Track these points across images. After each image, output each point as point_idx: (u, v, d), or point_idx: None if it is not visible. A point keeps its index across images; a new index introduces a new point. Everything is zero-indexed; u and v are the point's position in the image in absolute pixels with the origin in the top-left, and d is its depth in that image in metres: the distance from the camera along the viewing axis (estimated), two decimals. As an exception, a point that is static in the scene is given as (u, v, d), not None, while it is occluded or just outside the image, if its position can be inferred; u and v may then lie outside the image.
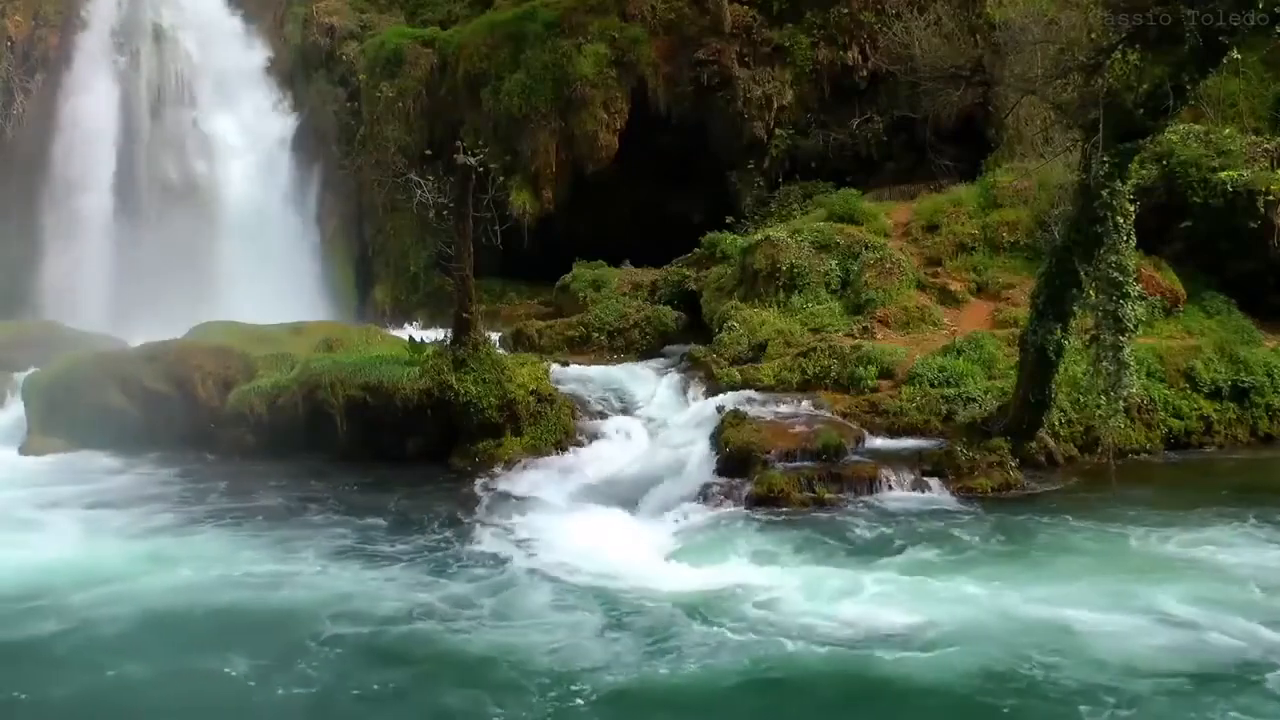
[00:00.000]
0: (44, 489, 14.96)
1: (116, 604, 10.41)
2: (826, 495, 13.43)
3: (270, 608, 10.40)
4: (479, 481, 14.82)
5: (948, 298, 18.89)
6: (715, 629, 9.57)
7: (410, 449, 16.12)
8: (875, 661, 8.92)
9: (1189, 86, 12.49)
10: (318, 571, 11.35)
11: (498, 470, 15.23)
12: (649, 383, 17.99)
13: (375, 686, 8.76)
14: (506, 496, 14.13)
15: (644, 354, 20.15)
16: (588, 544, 11.89)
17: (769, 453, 14.18)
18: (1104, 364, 13.12)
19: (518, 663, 9.00)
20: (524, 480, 14.86)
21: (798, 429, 14.91)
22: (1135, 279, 13.21)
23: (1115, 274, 12.90)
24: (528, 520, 12.94)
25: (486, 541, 12.28)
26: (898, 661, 8.90)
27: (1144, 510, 12.72)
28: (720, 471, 14.20)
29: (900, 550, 11.64)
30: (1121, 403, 13.63)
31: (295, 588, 10.88)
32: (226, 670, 8.99)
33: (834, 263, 19.49)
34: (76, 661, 9.26)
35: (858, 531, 12.36)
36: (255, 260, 25.92)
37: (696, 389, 17.13)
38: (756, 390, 16.46)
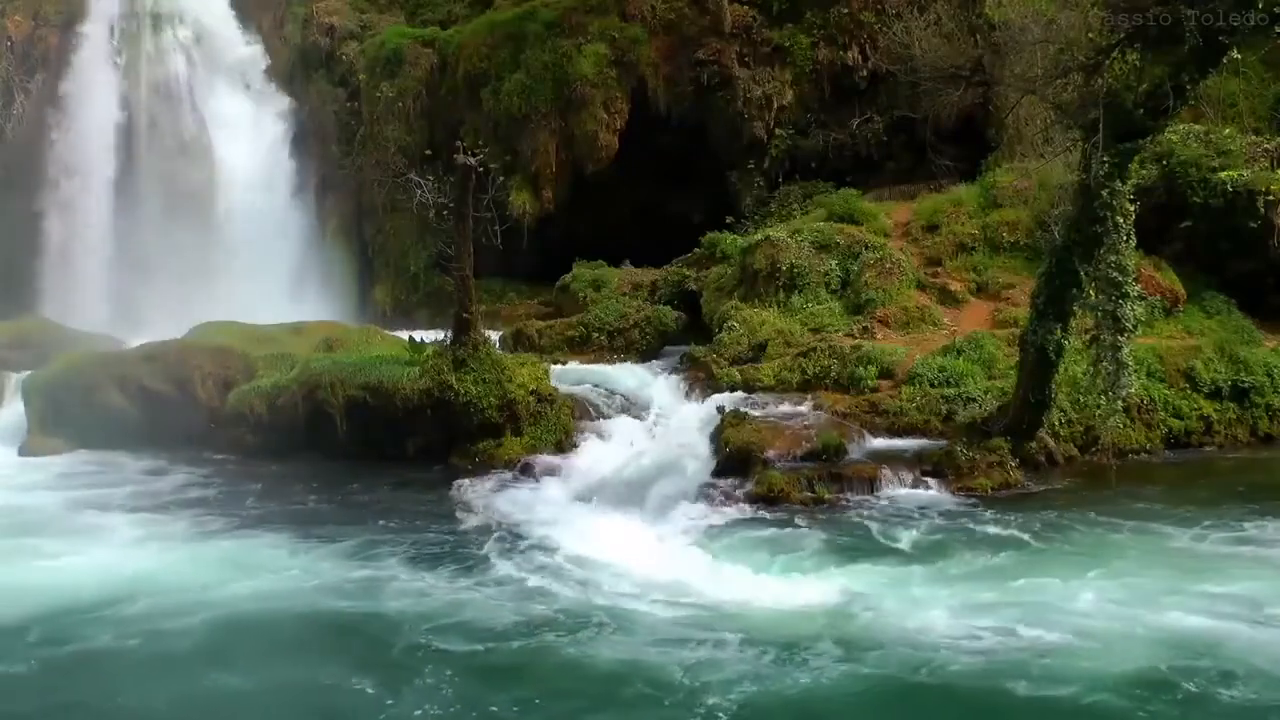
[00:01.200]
0: (76, 492, 14.77)
1: (204, 611, 10.09)
2: (827, 495, 13.42)
3: (365, 615, 10.07)
4: (491, 481, 14.79)
5: (948, 298, 18.90)
6: (827, 642, 9.14)
7: (410, 449, 16.12)
8: (1009, 670, 8.47)
9: (1189, 86, 12.49)
10: (408, 577, 11.01)
11: (504, 471, 15.21)
12: (649, 383, 17.99)
13: (515, 707, 8.27)
14: (527, 498, 14.05)
15: (644, 354, 20.15)
16: (625, 548, 11.72)
17: (769, 453, 14.17)
18: (1103, 364, 13.13)
19: (627, 676, 8.61)
20: (529, 481, 14.85)
21: (798, 429, 14.90)
22: (1135, 279, 13.22)
23: (1115, 274, 12.91)
24: (557, 524, 12.81)
25: (525, 548, 12.03)
26: (1033, 669, 8.48)
27: (1165, 508, 12.65)
28: (720, 472, 14.19)
29: (952, 552, 11.40)
30: (1120, 402, 13.64)
31: (383, 594, 10.57)
32: (349, 684, 8.56)
33: (834, 263, 19.49)
34: (177, 671, 8.96)
35: (894, 533, 12.15)
36: (255, 260, 25.95)
37: (696, 389, 17.12)
38: (756, 390, 16.47)
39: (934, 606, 9.90)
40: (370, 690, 8.50)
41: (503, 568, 11.38)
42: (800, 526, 12.48)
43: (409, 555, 11.80)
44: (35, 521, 13.35)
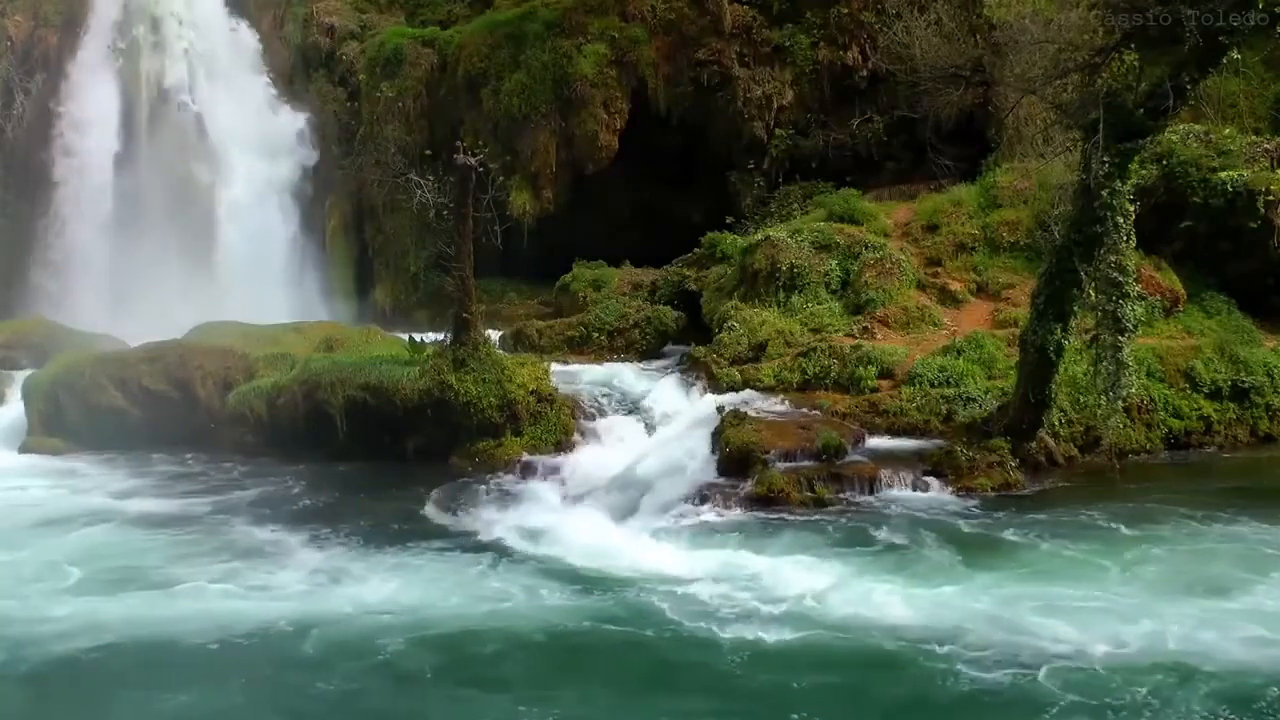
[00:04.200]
0: (188, 500, 14.32)
1: (470, 627, 9.85)
2: (827, 495, 13.43)
3: (622, 635, 9.80)
4: (491, 482, 14.69)
5: (948, 298, 18.90)
6: (990, 663, 8.79)
7: (410, 449, 16.11)
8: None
9: (1189, 86, 12.52)
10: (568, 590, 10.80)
11: (505, 472, 15.14)
12: (649, 383, 17.97)
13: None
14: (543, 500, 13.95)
15: (644, 354, 20.15)
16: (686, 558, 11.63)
17: (769, 453, 14.17)
18: (1103, 364, 13.15)
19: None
20: (535, 482, 14.80)
21: (798, 429, 14.91)
22: (1135, 279, 13.26)
23: (1115, 274, 12.93)
24: (586, 530, 12.69)
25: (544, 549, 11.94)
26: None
27: (1207, 501, 12.61)
28: (720, 472, 14.20)
29: (1023, 553, 11.23)
30: (1120, 402, 13.66)
31: (540, 611, 10.32)
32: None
33: (834, 263, 19.49)
34: (505, 697, 8.69)
35: (933, 534, 11.99)
36: (255, 260, 25.92)
37: (696, 389, 17.12)
38: (756, 390, 16.47)
39: (1117, 616, 9.53)
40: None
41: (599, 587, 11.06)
42: (837, 529, 12.31)
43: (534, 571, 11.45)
44: (204, 535, 12.85)
